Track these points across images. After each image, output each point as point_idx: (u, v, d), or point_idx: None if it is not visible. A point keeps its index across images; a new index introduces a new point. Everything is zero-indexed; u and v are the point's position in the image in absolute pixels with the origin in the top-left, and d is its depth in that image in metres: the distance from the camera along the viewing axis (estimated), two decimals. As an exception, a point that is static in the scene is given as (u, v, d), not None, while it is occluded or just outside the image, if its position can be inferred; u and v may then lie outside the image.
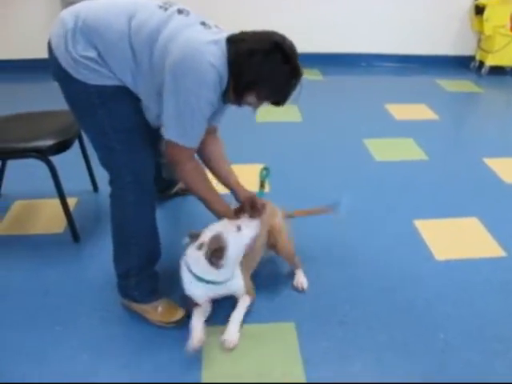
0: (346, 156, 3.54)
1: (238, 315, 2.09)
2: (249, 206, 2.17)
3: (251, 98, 1.90)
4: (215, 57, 1.79)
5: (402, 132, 3.92)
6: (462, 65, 5.47)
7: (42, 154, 2.43)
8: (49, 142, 2.44)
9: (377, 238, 2.68)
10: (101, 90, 1.87)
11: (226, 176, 2.29)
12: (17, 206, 2.91)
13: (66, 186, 2.53)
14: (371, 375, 1.93)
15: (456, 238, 2.71)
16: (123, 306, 2.19)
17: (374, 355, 2.01)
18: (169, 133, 1.88)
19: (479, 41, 5.38)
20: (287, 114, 4.19)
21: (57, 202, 2.57)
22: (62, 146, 2.46)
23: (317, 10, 5.20)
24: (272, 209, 2.39)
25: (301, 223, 2.73)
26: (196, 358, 1.97)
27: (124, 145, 1.94)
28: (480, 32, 5.28)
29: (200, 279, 2.00)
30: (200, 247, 1.96)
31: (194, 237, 2.01)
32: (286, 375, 1.93)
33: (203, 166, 2.19)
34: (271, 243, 2.33)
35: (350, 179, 3.24)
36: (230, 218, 2.06)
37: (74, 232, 2.59)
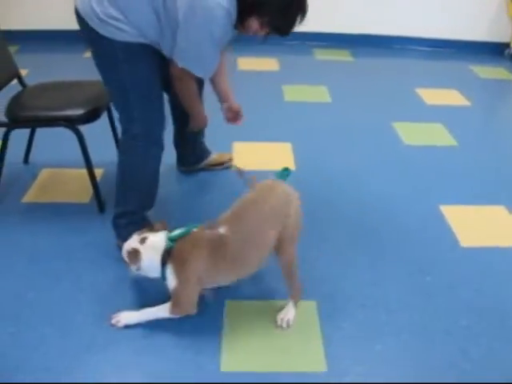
0: (375, 138, 3.51)
1: (145, 314, 2.00)
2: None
3: (254, 24, 2.02)
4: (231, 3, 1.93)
5: (432, 117, 3.86)
6: (496, 51, 5.35)
7: (71, 123, 2.45)
8: (78, 111, 2.46)
9: (402, 221, 2.66)
10: (126, 46, 2.02)
11: (222, 89, 2.54)
12: (44, 173, 2.94)
13: (92, 156, 2.55)
14: (390, 357, 1.92)
15: (482, 226, 2.67)
16: (117, 246, 2.26)
17: (393, 337, 2.00)
18: (183, 62, 2.04)
19: (515, 27, 5.27)
20: (316, 94, 4.16)
21: (83, 171, 2.59)
22: (90, 116, 2.47)
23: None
24: (286, 194, 2.00)
25: (325, 205, 2.73)
26: (217, 331, 1.99)
27: (139, 100, 2.12)
28: (516, 18, 5.17)
29: None
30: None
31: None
32: (306, 352, 1.93)
33: None
34: (276, 245, 1.95)
35: (377, 161, 3.21)
36: (201, 118, 2.41)
37: (100, 202, 2.61)
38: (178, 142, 2.86)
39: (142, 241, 1.92)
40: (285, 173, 2.41)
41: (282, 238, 1.93)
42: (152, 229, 1.99)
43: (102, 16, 1.97)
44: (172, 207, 2.68)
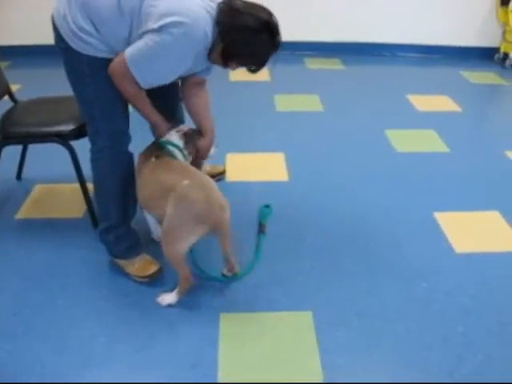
0: (367, 146, 3.51)
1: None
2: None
3: (234, 65, 2.13)
4: (208, 25, 1.96)
5: (424, 123, 3.88)
6: (486, 56, 5.39)
7: (63, 139, 2.45)
8: (70, 127, 2.46)
9: (396, 229, 2.66)
10: (92, 60, 2.04)
11: (203, 121, 2.45)
12: (37, 189, 2.93)
13: (85, 171, 2.53)
14: (387, 366, 1.92)
15: (477, 232, 2.68)
16: (111, 263, 2.35)
17: (390, 346, 2.00)
18: (132, 64, 1.97)
19: (504, 32, 5.29)
20: (308, 103, 4.17)
21: (76, 186, 2.58)
22: (82, 131, 2.46)
23: (340, -2, 5.16)
24: (219, 202, 2.05)
25: (319, 214, 2.74)
26: (212, 343, 1.98)
27: (105, 113, 2.15)
28: (505, 23, 5.19)
29: None
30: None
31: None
32: (303, 363, 1.92)
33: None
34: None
35: (370, 169, 3.21)
36: (164, 127, 2.29)
37: (93, 217, 2.60)
38: None
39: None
40: (267, 210, 2.45)
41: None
42: None
43: (73, 27, 1.98)
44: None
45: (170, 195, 2.00)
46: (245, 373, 1.88)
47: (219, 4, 2.01)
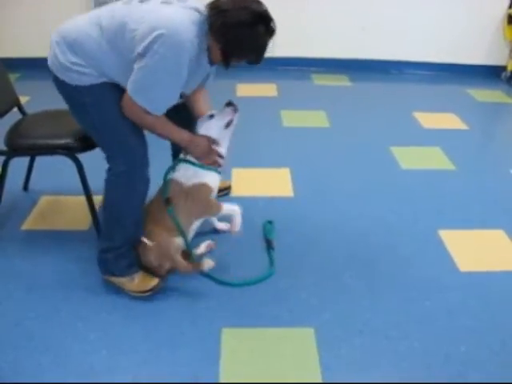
0: (372, 163, 3.52)
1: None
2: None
3: (236, 61, 2.14)
4: (191, 31, 1.97)
5: (430, 141, 3.88)
6: (493, 74, 5.40)
7: (70, 151, 2.47)
8: (77, 140, 2.47)
9: (400, 246, 2.66)
10: (90, 88, 2.10)
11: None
12: (43, 201, 2.95)
13: (91, 183, 2.56)
14: (389, 384, 1.92)
15: (481, 250, 2.67)
16: (104, 280, 2.32)
17: (392, 365, 1.99)
18: (136, 97, 2.02)
19: (511, 51, 5.31)
20: (315, 119, 4.19)
21: (82, 199, 2.59)
22: (89, 144, 2.48)
23: (347, 15, 5.18)
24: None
25: (323, 230, 2.74)
26: (214, 358, 1.98)
27: (114, 138, 2.16)
28: (512, 42, 5.22)
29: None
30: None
31: None
32: (304, 379, 1.92)
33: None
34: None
35: (375, 186, 3.22)
36: (193, 141, 2.29)
37: (99, 230, 2.61)
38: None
39: None
40: (270, 226, 2.47)
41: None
42: None
43: (65, 63, 2.08)
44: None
45: None
46: (245, 388, 1.88)
47: (206, 7, 2.04)
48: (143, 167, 2.18)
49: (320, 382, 1.90)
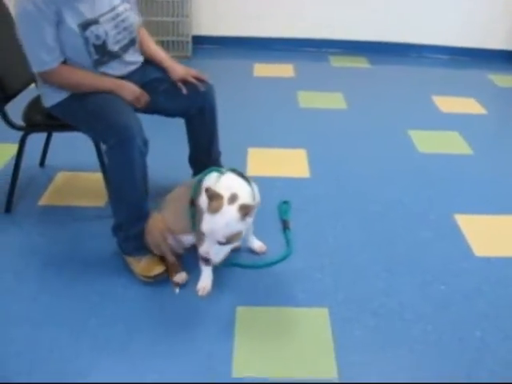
0: (390, 145, 3.50)
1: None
2: (183, 84, 2.44)
3: None
4: None
5: (448, 125, 3.84)
6: (514, 60, 5.33)
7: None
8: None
9: (416, 230, 2.65)
10: (69, 99, 2.30)
11: (157, 54, 2.54)
12: (60, 177, 2.97)
13: (108, 160, 2.57)
14: (402, 366, 1.91)
15: (497, 235, 2.65)
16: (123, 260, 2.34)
17: (406, 347, 1.99)
18: (33, 68, 2.23)
19: (534, 36, 5.23)
20: (332, 100, 4.16)
21: (98, 175, 2.61)
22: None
23: (368, -3, 5.14)
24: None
25: (339, 212, 2.73)
26: (229, 336, 1.99)
27: (100, 113, 2.20)
28: (535, 26, 5.13)
29: None
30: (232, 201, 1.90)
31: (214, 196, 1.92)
32: (317, 359, 1.92)
33: None
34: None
35: (392, 169, 3.20)
36: (120, 85, 2.29)
37: (115, 206, 2.63)
38: (193, 162, 2.77)
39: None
40: (286, 206, 2.44)
41: None
42: None
43: (45, 93, 2.35)
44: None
45: None
46: (258, 365, 1.89)
47: None
48: (134, 138, 2.11)
49: (333, 361, 1.91)
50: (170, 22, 4.98)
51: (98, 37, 2.21)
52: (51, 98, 2.34)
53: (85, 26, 2.17)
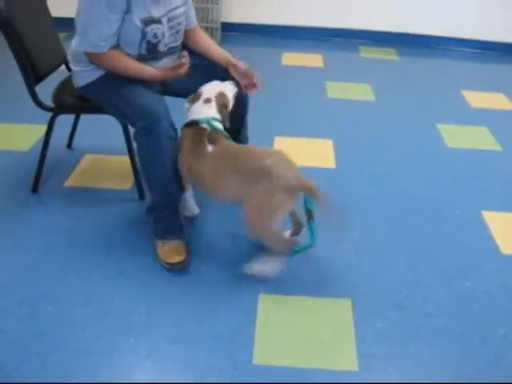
0: (418, 139, 3.46)
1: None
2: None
3: None
4: None
5: (477, 120, 3.79)
6: (546, 56, 5.23)
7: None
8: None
9: (442, 225, 2.62)
10: (101, 79, 2.32)
11: (221, 59, 2.45)
12: (87, 159, 2.99)
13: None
14: (423, 360, 1.90)
15: (525, 234, 2.62)
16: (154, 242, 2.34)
17: (428, 341, 1.97)
18: (81, 46, 2.24)
19: None
20: (360, 92, 4.12)
21: (125, 158, 2.62)
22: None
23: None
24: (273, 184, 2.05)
25: (365, 203, 2.72)
26: (251, 322, 2.00)
27: (128, 97, 2.24)
28: None
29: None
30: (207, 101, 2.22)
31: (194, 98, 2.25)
32: (338, 349, 1.92)
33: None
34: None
35: (420, 162, 3.16)
36: (167, 73, 2.27)
37: (140, 189, 2.64)
38: None
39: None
40: (311, 196, 2.43)
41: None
42: None
43: (78, 72, 2.37)
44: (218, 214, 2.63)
45: (252, 177, 2.04)
46: (279, 353, 1.89)
47: None
48: (161, 122, 2.13)
49: (354, 352, 1.90)
50: (200, 9, 4.97)
51: (155, 35, 2.23)
52: (83, 78, 2.36)
53: (148, 22, 2.18)
